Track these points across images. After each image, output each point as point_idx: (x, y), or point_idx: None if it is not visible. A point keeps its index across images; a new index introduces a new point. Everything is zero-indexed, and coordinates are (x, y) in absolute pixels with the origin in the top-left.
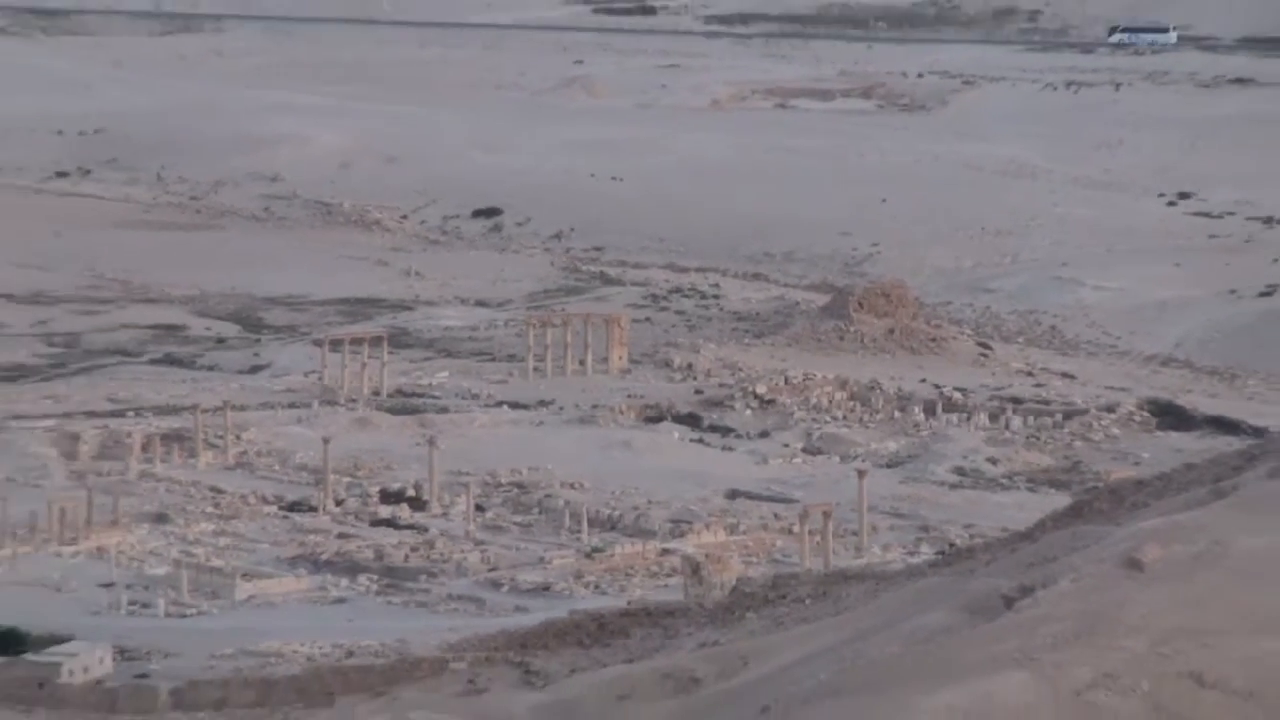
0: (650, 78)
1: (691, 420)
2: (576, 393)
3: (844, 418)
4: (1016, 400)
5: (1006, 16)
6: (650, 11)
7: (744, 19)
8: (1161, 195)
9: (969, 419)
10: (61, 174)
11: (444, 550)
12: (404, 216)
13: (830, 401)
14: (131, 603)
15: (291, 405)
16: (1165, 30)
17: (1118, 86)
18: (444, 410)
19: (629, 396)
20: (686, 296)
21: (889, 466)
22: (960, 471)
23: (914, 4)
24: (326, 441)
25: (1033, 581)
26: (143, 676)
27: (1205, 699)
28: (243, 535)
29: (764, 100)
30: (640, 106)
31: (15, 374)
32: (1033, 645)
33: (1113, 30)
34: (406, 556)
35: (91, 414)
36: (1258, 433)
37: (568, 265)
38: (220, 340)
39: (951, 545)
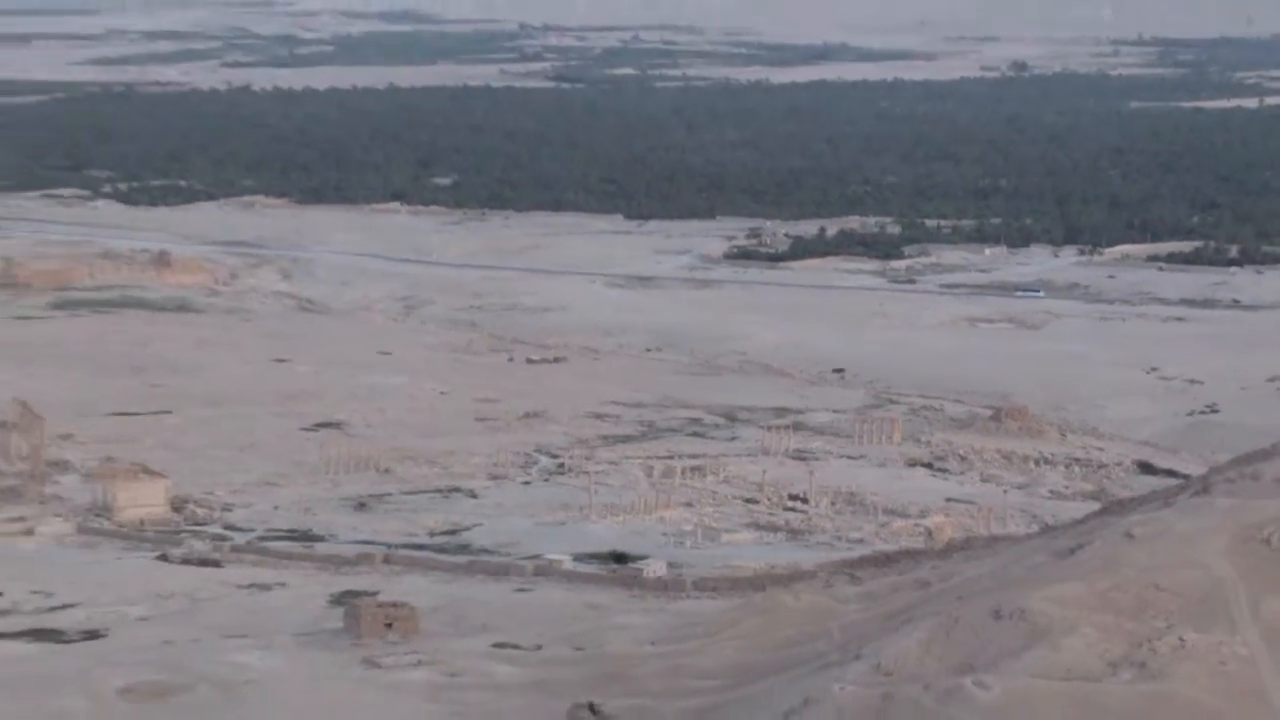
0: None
1: (929, 465)
2: (877, 451)
3: (999, 466)
4: (1077, 459)
5: (1076, 288)
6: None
7: (963, 286)
8: (1143, 369)
9: (1055, 467)
10: (648, 350)
11: (816, 521)
12: (802, 371)
13: (993, 459)
14: (676, 542)
15: (749, 455)
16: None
17: (1124, 319)
18: (817, 459)
19: (900, 454)
20: (928, 410)
21: (1019, 489)
22: (1051, 492)
23: (1033, 282)
24: (764, 472)
25: (1082, 542)
26: (679, 574)
27: (1160, 596)
28: (725, 513)
29: (965, 324)
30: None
31: (625, 439)
32: (1082, 571)
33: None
34: (800, 523)
35: (660, 457)
36: (1186, 477)
37: (876, 395)
38: (718, 425)
39: (1046, 525)
